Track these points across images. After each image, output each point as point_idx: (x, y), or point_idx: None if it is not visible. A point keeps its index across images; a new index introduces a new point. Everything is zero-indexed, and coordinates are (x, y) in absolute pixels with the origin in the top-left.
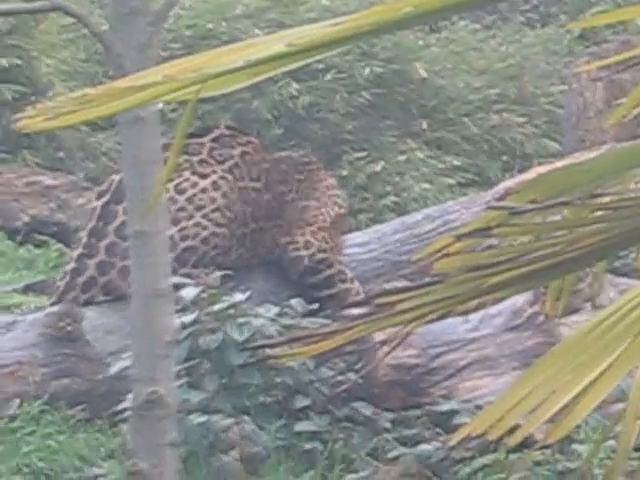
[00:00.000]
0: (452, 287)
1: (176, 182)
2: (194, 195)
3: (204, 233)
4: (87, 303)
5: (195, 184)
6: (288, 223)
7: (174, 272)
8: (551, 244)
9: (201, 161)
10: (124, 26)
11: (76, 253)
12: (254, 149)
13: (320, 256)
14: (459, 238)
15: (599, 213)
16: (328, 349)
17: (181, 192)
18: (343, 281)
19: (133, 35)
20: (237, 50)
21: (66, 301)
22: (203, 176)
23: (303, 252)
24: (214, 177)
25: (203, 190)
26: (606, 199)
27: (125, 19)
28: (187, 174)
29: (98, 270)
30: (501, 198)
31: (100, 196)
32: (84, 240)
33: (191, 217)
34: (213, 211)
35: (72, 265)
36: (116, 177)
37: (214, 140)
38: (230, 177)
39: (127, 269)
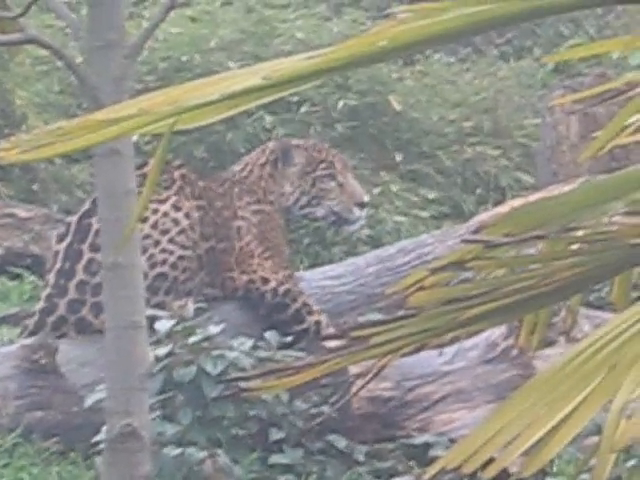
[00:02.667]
0: (427, 320)
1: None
2: (157, 221)
3: (172, 258)
4: (61, 336)
5: (156, 210)
6: (232, 246)
7: (147, 301)
8: (526, 278)
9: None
10: (99, 59)
11: (45, 293)
12: (187, 170)
13: (282, 289)
14: (434, 271)
15: (574, 247)
16: (302, 382)
17: (144, 220)
18: (310, 313)
19: (108, 68)
20: (212, 83)
21: (40, 334)
22: (161, 201)
23: (263, 288)
24: (172, 200)
25: (165, 214)
26: (580, 233)
27: (100, 52)
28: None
29: (69, 308)
30: (476, 231)
31: (60, 239)
32: (52, 281)
33: (157, 243)
34: (178, 233)
35: (41, 305)
36: (73, 218)
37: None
38: (182, 198)
39: (98, 305)
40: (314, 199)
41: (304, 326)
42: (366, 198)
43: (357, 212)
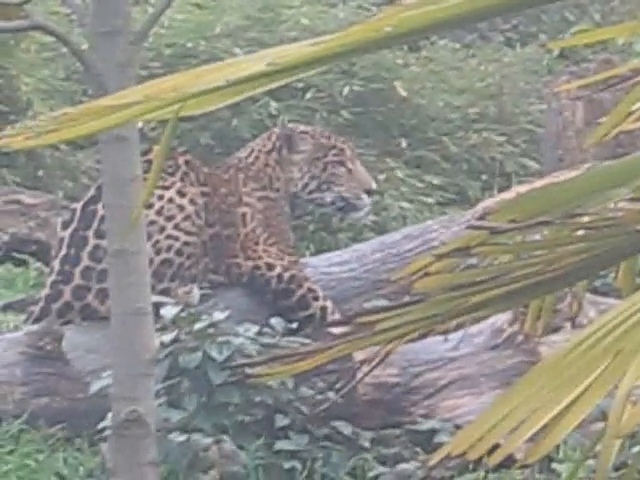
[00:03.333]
0: (432, 306)
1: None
2: (162, 207)
3: (177, 244)
4: (67, 322)
5: (161, 196)
6: (236, 233)
7: (152, 288)
8: (531, 264)
9: None
10: (104, 45)
11: (50, 280)
12: (192, 157)
13: (287, 275)
14: (439, 257)
15: (579, 233)
16: (308, 368)
17: (149, 207)
18: (316, 299)
19: (113, 54)
20: (217, 69)
21: (46, 320)
22: (165, 188)
23: (268, 274)
24: (177, 186)
25: (170, 200)
26: (586, 219)
27: (105, 38)
28: None
29: (74, 295)
30: (481, 217)
31: (65, 226)
32: (57, 268)
33: (162, 229)
34: (184, 219)
35: (46, 291)
36: (77, 205)
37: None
38: (187, 184)
39: (104, 292)
40: (324, 184)
41: (310, 312)
42: (374, 185)
43: (365, 199)
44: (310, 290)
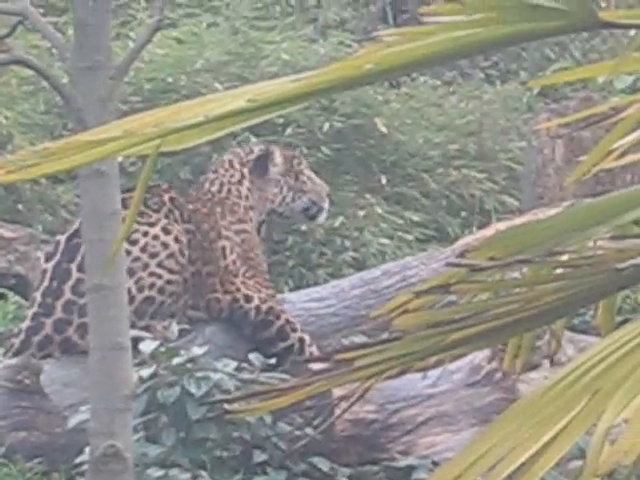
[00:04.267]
0: (411, 343)
1: None
2: (147, 244)
3: (159, 282)
4: (46, 356)
5: (146, 233)
6: (216, 268)
7: (132, 324)
8: (510, 301)
9: (140, 213)
10: (85, 79)
11: (31, 312)
12: (176, 193)
13: (265, 307)
14: (418, 294)
15: (558, 271)
16: (286, 404)
17: (133, 243)
18: (294, 330)
19: (94, 88)
20: (198, 105)
21: (24, 354)
22: (151, 224)
23: (246, 306)
24: (162, 223)
25: (155, 237)
26: (565, 257)
27: (86, 72)
28: (135, 225)
29: (55, 328)
30: (460, 255)
31: (48, 258)
32: (38, 300)
33: (146, 266)
34: (167, 257)
35: (27, 323)
36: (61, 237)
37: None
38: (171, 221)
39: (85, 326)
40: (297, 193)
41: (288, 343)
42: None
43: (327, 201)
44: (288, 322)
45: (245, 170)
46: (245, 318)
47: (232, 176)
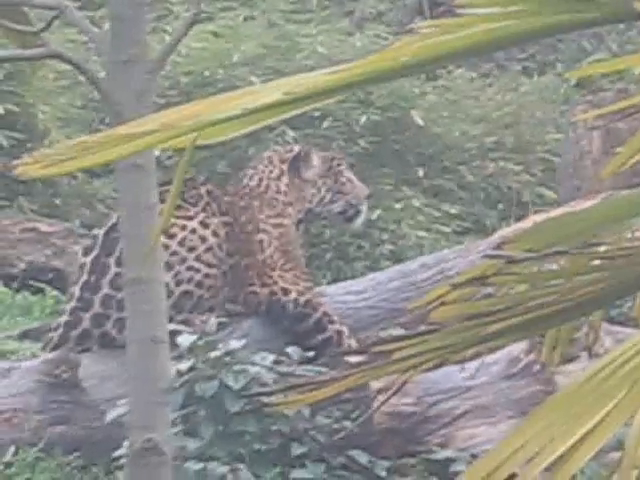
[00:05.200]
0: (448, 336)
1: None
2: (185, 238)
3: (198, 276)
4: (83, 350)
5: (184, 227)
6: (254, 261)
7: (171, 318)
8: (547, 293)
9: (178, 207)
10: (121, 73)
11: (69, 306)
12: (213, 185)
13: (302, 299)
14: (456, 287)
15: (596, 262)
16: (324, 397)
17: (171, 237)
18: (332, 322)
19: (130, 82)
20: (234, 98)
21: (62, 348)
22: (189, 218)
23: (284, 299)
24: (200, 217)
25: (193, 231)
26: (602, 248)
27: (123, 66)
28: (172, 219)
29: (93, 322)
30: (498, 247)
31: (87, 252)
32: (77, 294)
33: (184, 261)
34: (205, 251)
35: (66, 318)
36: (99, 231)
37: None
38: (209, 215)
39: (123, 321)
40: (336, 194)
41: (326, 335)
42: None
43: (365, 204)
44: (326, 314)
45: (284, 167)
46: (283, 311)
47: (271, 172)
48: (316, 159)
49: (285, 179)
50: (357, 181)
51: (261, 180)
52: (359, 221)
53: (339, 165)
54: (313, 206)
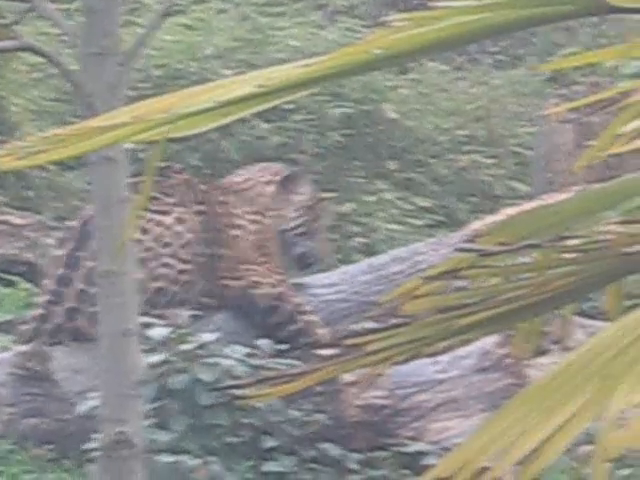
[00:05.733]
0: (421, 329)
1: (140, 223)
2: (160, 234)
3: (172, 273)
4: (55, 343)
5: (159, 222)
6: (228, 255)
7: (145, 315)
8: (520, 286)
9: (153, 198)
10: (94, 66)
11: (43, 299)
12: (188, 175)
13: (274, 292)
14: (427, 280)
15: (568, 255)
16: (296, 390)
17: (146, 232)
18: (303, 313)
19: (103, 75)
20: (207, 91)
21: (35, 341)
22: (163, 213)
23: (255, 293)
24: (176, 211)
25: (168, 227)
26: (575, 242)
27: (95, 59)
28: (148, 214)
29: (66, 316)
30: (470, 240)
31: (62, 244)
32: (51, 287)
33: (158, 257)
34: (180, 247)
35: (39, 311)
36: (75, 224)
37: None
38: (185, 209)
39: (96, 315)
40: (308, 233)
41: (297, 326)
42: None
43: (320, 264)
44: (297, 305)
45: (276, 178)
46: (254, 304)
47: (262, 176)
48: (308, 188)
49: (273, 187)
50: (327, 240)
51: (248, 179)
52: (309, 271)
53: (322, 210)
54: (287, 228)
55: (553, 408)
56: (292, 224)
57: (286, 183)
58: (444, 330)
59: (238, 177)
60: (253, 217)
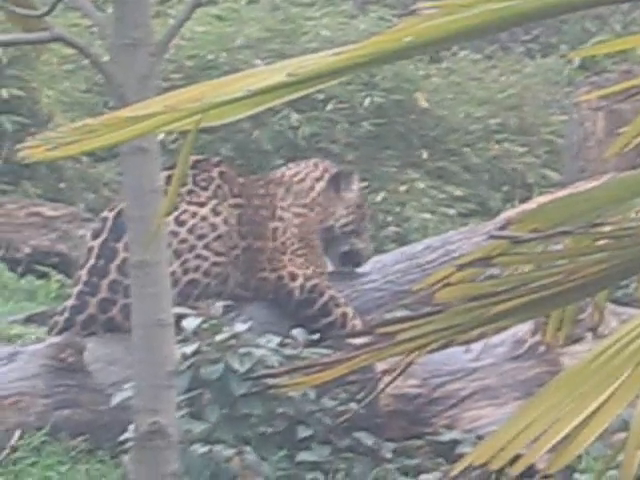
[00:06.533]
0: (453, 317)
1: (175, 215)
2: (194, 225)
3: (205, 265)
4: (89, 334)
5: (195, 214)
6: (266, 246)
7: (178, 306)
8: (552, 273)
9: (189, 191)
10: (125, 57)
11: (76, 290)
12: (227, 167)
13: (309, 284)
14: (460, 268)
15: (600, 242)
16: (330, 379)
17: (181, 224)
18: (338, 305)
19: (134, 66)
20: (238, 80)
21: (68, 332)
22: (200, 204)
23: (291, 285)
24: (212, 203)
25: (203, 218)
26: (607, 228)
27: (126, 50)
28: (184, 205)
29: (99, 308)
30: (502, 227)
31: (96, 235)
32: (84, 278)
33: (192, 248)
34: (215, 239)
35: (72, 302)
36: (109, 214)
37: (192, 167)
38: (220, 200)
39: (129, 307)
40: (355, 232)
41: (331, 319)
42: None
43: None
44: (332, 297)
45: (327, 175)
46: (289, 297)
47: (313, 171)
48: (357, 185)
49: (323, 184)
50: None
51: (299, 173)
52: (356, 268)
53: (368, 210)
54: (336, 225)
55: (587, 395)
56: (342, 222)
57: (337, 180)
58: (477, 318)
59: (289, 170)
60: (299, 210)
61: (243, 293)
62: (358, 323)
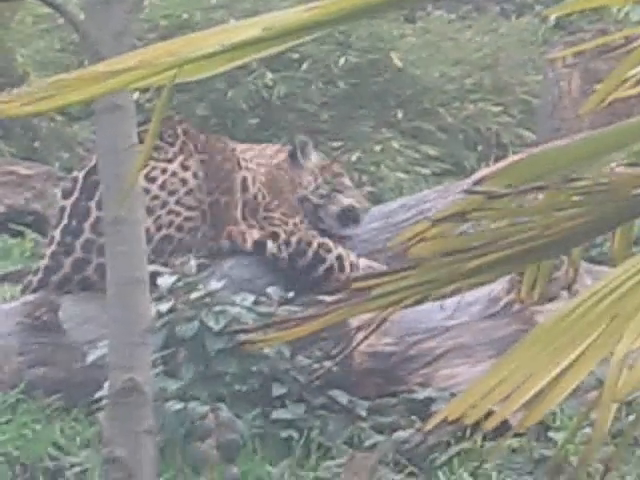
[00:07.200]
0: (428, 272)
1: (145, 172)
2: (165, 181)
3: (178, 220)
4: (64, 293)
5: (164, 170)
6: (236, 199)
7: (151, 263)
8: (527, 229)
9: (156, 148)
10: (100, 14)
11: (50, 250)
12: (188, 124)
13: (293, 240)
14: (435, 223)
15: (575, 198)
16: (303, 334)
17: (152, 180)
18: (329, 250)
19: (109, 23)
20: (213, 35)
21: (42, 291)
22: (168, 160)
23: (274, 245)
24: (180, 158)
25: (173, 174)
26: (582, 183)
27: (101, 7)
28: (152, 162)
29: (74, 267)
30: (477, 183)
31: (67, 195)
32: (57, 238)
33: (165, 204)
34: (186, 194)
35: (46, 262)
36: (79, 174)
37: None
38: (186, 156)
39: (104, 266)
40: (333, 192)
41: (326, 265)
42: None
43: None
44: (320, 244)
45: (281, 153)
46: (277, 256)
47: (270, 147)
48: (314, 151)
49: (283, 155)
50: (359, 191)
51: (255, 148)
52: (355, 228)
53: (339, 168)
54: (308, 193)
55: (560, 351)
56: (312, 188)
57: (294, 153)
58: (451, 273)
59: (244, 146)
60: (260, 160)
61: (216, 245)
62: (354, 260)
